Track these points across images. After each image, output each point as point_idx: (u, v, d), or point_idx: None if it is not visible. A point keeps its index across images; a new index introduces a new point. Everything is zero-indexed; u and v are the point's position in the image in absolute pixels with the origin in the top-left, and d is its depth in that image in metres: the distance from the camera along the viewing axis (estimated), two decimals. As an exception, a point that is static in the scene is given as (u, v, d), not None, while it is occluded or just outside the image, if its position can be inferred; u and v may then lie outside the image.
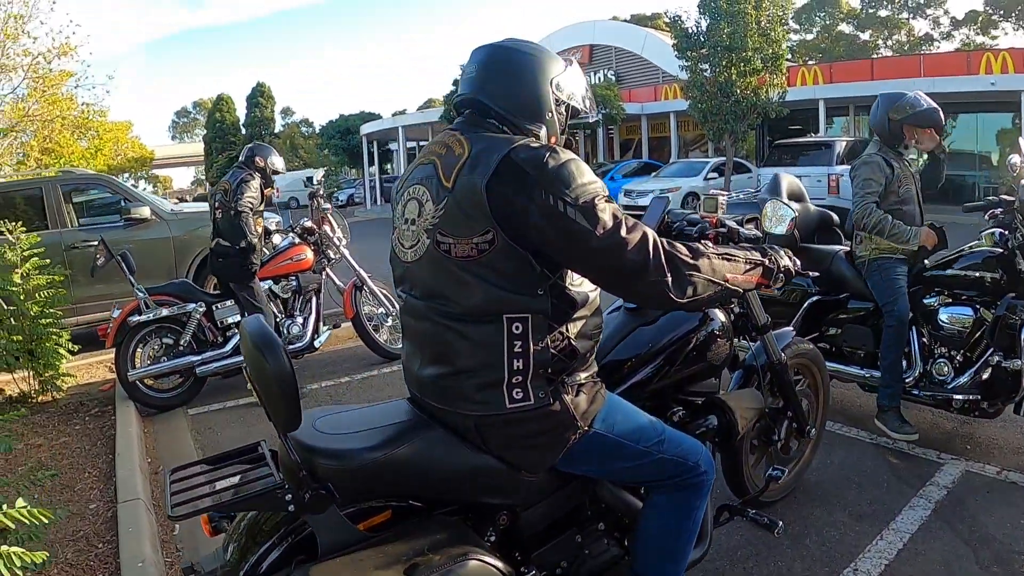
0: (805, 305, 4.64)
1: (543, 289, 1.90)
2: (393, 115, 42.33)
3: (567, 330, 1.97)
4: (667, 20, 25.29)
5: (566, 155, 1.87)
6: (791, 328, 3.60)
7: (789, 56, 28.60)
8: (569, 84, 2.13)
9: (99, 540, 3.56)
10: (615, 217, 1.86)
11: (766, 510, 3.10)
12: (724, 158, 22.74)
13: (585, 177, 1.85)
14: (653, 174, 23.59)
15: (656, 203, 2.97)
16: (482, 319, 1.89)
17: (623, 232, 1.86)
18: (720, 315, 2.78)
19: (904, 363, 4.33)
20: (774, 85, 22.85)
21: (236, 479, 1.93)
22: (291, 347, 6.15)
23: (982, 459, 4.07)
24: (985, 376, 4.07)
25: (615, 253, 1.86)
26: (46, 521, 2.56)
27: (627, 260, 1.87)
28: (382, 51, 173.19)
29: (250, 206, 5.81)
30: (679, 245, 2.02)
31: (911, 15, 53.31)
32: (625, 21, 47.75)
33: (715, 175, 21.85)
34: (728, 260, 2.15)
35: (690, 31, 22.94)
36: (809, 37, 54.07)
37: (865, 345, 4.56)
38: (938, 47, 51.10)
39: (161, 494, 4.05)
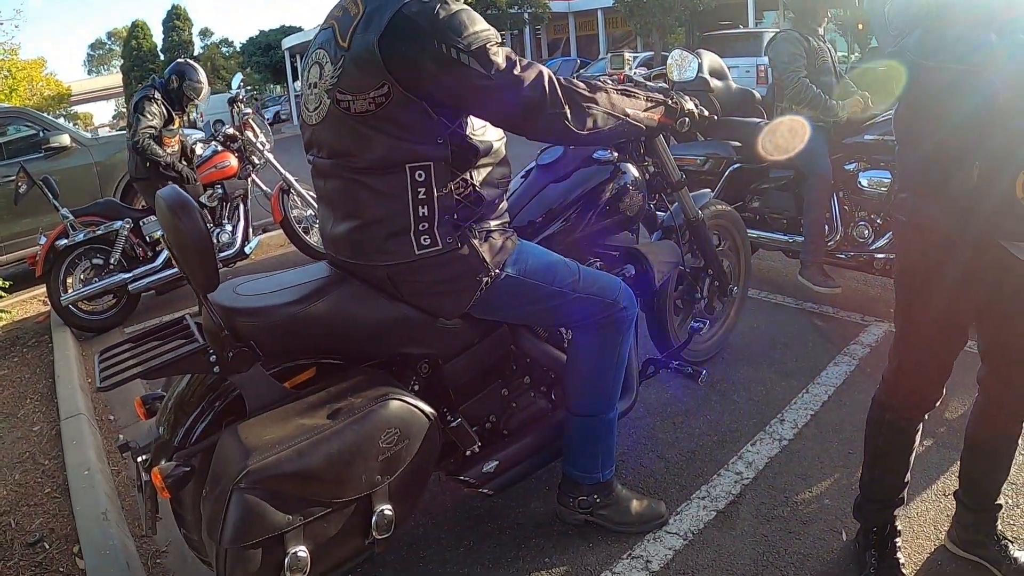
0: (726, 173, 4.71)
1: (442, 138, 1.93)
2: (315, 27, 41.02)
3: (471, 177, 2.01)
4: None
5: (457, 5, 1.88)
6: (708, 190, 3.67)
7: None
8: None
9: (45, 457, 3.56)
10: (508, 59, 1.90)
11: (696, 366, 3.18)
12: (652, 53, 22.56)
13: (477, 25, 1.87)
14: (581, 70, 23.34)
15: (565, 64, 2.99)
16: (385, 170, 1.92)
17: (517, 71, 1.90)
18: (633, 169, 2.82)
19: (826, 228, 4.46)
20: (701, -23, 22.68)
21: (162, 350, 1.96)
22: (222, 255, 6.09)
23: (904, 320, 4.20)
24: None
25: (511, 91, 1.89)
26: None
27: (523, 96, 1.91)
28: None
29: (149, 134, 5.66)
30: (576, 80, 2.06)
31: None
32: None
33: (644, 70, 21.64)
34: (628, 96, 2.21)
35: (617, -76, 22.56)
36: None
37: (787, 211, 4.68)
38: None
39: (103, 411, 4.07)
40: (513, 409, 2.45)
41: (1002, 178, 1.69)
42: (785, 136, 4.25)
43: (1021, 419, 2.09)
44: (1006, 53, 1.61)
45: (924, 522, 2.49)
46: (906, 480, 2.21)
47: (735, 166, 4.72)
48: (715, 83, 4.88)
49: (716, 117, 2.74)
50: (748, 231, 4.16)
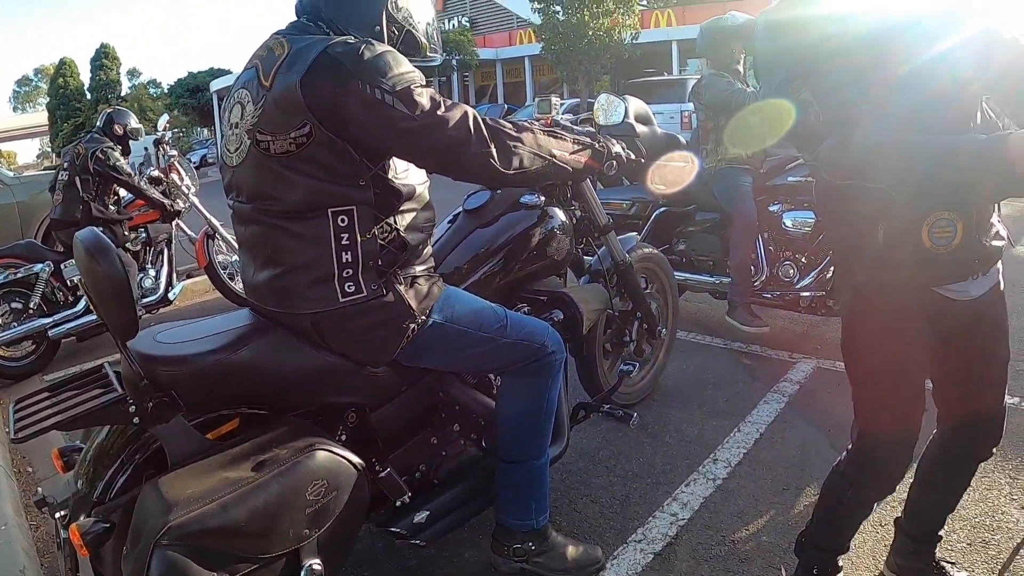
0: (652, 217, 4.78)
1: (365, 180, 1.91)
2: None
3: (395, 222, 1.99)
4: (523, -36, 25.37)
5: (382, 47, 1.88)
6: (635, 234, 3.71)
7: (644, 1, 29.03)
8: (411, 9, 2.13)
9: (-44, 512, 3.38)
10: (433, 100, 1.89)
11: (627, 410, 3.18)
12: (578, 99, 22.98)
13: (402, 67, 1.87)
14: (508, 117, 23.59)
15: (493, 108, 3.01)
16: (307, 215, 1.89)
17: (441, 111, 1.89)
18: (560, 213, 2.83)
19: (752, 268, 4.54)
20: (627, 27, 23.25)
21: (80, 399, 1.88)
22: (144, 301, 5.96)
23: (832, 356, 4.27)
24: (829, 275, 4.27)
25: (436, 131, 1.88)
26: None
27: (448, 136, 1.90)
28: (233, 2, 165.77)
29: (131, 176, 5.67)
30: (502, 121, 2.07)
31: (768, -39, 54.46)
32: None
33: (570, 116, 21.97)
34: (555, 137, 2.22)
35: (544, -27, 23.07)
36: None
37: (713, 253, 4.75)
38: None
39: (21, 462, 3.89)
40: (443, 457, 2.41)
41: (910, 232, 1.71)
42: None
43: (976, 458, 2.09)
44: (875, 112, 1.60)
45: (863, 552, 2.51)
46: (857, 530, 2.20)
47: (661, 209, 4.79)
48: (641, 128, 4.94)
49: (643, 160, 2.77)
50: (675, 273, 4.21)
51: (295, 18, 2.08)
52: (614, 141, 2.51)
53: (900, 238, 1.72)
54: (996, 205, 1.83)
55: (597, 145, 2.39)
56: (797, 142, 1.75)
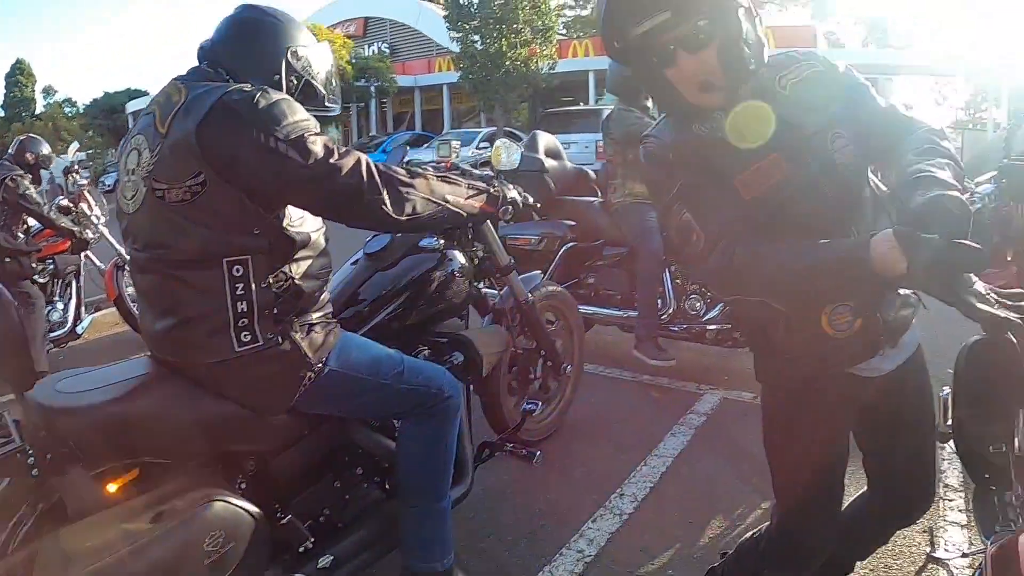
0: (560, 252, 4.82)
1: (260, 229, 1.93)
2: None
3: (291, 270, 2.00)
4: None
5: (277, 95, 1.91)
6: (539, 272, 3.76)
7: (563, 31, 29.42)
8: (310, 59, 2.17)
9: None
10: (326, 147, 1.91)
11: (533, 446, 3.22)
12: (495, 128, 23.14)
13: (297, 115, 1.90)
14: (425, 145, 23.54)
15: (396, 151, 3.04)
16: (202, 264, 1.89)
17: (334, 159, 1.91)
18: (459, 256, 2.87)
19: (659, 302, 4.63)
20: (544, 56, 23.55)
21: None
22: (52, 335, 5.79)
23: (738, 387, 4.37)
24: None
25: (329, 179, 1.90)
26: None
27: (341, 183, 1.92)
28: (151, 22, 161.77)
29: (40, 205, 5.45)
30: (395, 167, 2.09)
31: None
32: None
33: (486, 145, 22.02)
34: (449, 183, 2.25)
35: (462, 2, 23.19)
36: (584, 13, 55.51)
37: (621, 287, 4.85)
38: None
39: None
40: (347, 501, 2.41)
41: (810, 322, 1.70)
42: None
43: (910, 521, 2.10)
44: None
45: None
46: None
47: (569, 245, 4.85)
48: (551, 163, 5.05)
49: (539, 205, 2.82)
50: (583, 308, 4.28)
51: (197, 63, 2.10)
52: (510, 186, 2.56)
53: (802, 329, 1.72)
54: None
55: (492, 190, 2.43)
56: (685, 261, 1.75)
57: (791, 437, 1.90)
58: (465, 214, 2.32)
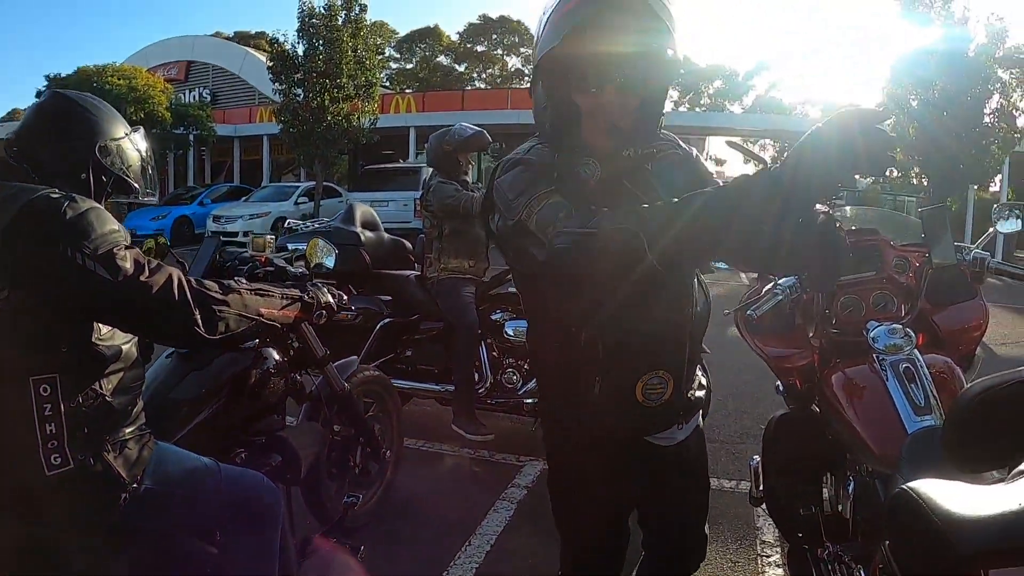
0: (377, 328, 4.84)
1: (67, 346, 1.84)
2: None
3: (101, 387, 1.92)
4: (269, 40, 25.07)
5: (86, 204, 1.83)
6: (355, 357, 3.77)
7: (386, 84, 29.44)
8: (122, 153, 2.09)
9: None
10: (136, 263, 1.84)
11: (357, 534, 3.20)
12: (315, 183, 22.90)
13: (106, 227, 1.83)
14: (244, 198, 22.92)
15: (208, 242, 3.00)
16: (6, 383, 1.80)
17: (144, 276, 1.84)
18: (274, 354, 2.84)
19: (476, 376, 4.73)
20: (366, 112, 23.55)
21: None
22: None
23: (558, 455, 4.50)
24: (545, 380, 4.55)
25: (139, 297, 1.84)
26: None
27: (152, 302, 1.85)
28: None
29: None
30: (208, 283, 2.04)
31: (505, 52, 56.49)
32: (228, 38, 46.64)
33: (305, 199, 21.78)
34: (263, 295, 2.22)
35: (288, 53, 22.91)
36: (409, 66, 55.80)
37: (439, 362, 4.91)
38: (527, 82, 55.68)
39: None
40: None
41: (625, 388, 1.81)
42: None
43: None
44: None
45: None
46: None
47: (386, 320, 4.88)
48: (367, 235, 5.08)
49: (353, 309, 2.86)
50: (401, 382, 4.31)
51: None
52: (324, 289, 2.57)
53: (615, 394, 1.82)
54: (699, 357, 2.00)
55: (307, 297, 2.44)
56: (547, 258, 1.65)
57: (583, 494, 2.02)
58: (279, 325, 2.32)
